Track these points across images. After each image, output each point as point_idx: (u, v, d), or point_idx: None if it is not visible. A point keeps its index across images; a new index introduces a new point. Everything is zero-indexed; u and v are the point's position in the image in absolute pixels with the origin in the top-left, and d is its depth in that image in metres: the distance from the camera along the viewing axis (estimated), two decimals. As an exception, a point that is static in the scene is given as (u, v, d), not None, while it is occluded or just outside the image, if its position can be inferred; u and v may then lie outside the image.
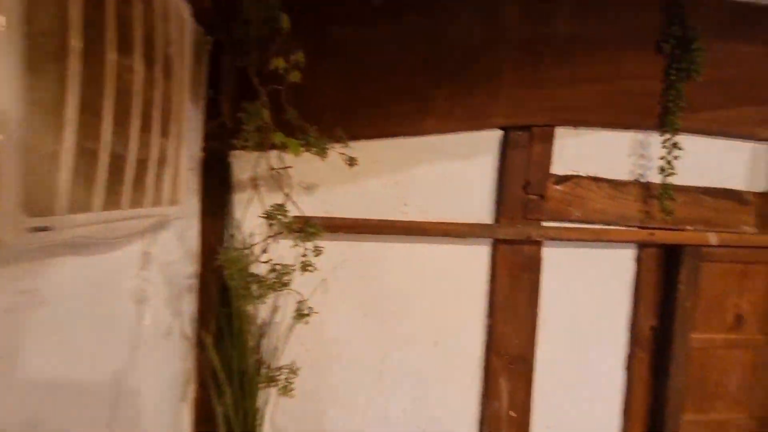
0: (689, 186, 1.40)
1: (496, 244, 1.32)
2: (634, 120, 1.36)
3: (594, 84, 1.32)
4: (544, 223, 1.33)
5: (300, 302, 1.04)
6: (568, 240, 1.33)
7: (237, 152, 1.14)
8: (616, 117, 1.35)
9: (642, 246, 1.39)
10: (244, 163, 1.15)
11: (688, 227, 1.38)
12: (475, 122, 1.29)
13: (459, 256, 1.31)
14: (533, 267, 1.33)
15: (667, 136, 1.32)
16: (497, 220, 1.31)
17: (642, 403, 1.40)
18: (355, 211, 1.26)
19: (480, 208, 1.32)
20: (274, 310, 1.18)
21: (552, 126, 1.32)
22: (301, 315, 0.99)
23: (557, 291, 1.36)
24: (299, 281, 1.15)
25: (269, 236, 0.97)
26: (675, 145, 1.31)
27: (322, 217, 1.20)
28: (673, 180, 1.35)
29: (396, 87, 1.25)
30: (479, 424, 1.33)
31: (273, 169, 0.96)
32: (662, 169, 1.33)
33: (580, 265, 1.37)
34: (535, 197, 1.32)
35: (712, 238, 1.35)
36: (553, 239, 1.32)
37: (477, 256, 1.32)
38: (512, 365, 1.32)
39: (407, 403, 1.30)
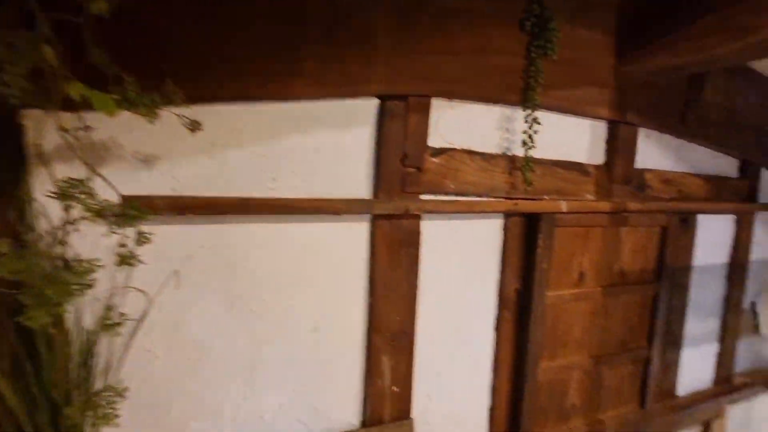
0: (545, 159, 1.52)
1: (375, 219, 1.26)
2: (502, 94, 1.40)
3: (468, 56, 1.31)
4: (422, 196, 1.32)
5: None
6: (444, 213, 1.34)
7: (32, 112, 0.83)
8: (487, 91, 1.38)
9: (508, 215, 1.49)
10: (40, 126, 0.86)
11: (545, 197, 1.52)
12: (349, 88, 1.18)
13: (336, 234, 1.22)
14: (412, 241, 1.31)
15: (528, 111, 1.40)
16: (376, 194, 1.25)
17: (508, 358, 1.54)
18: (212, 189, 1.06)
19: (358, 182, 1.24)
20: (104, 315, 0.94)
21: (428, 97, 1.29)
22: (107, 326, 0.78)
23: (435, 263, 1.37)
24: (142, 276, 0.94)
25: (67, 222, 0.73)
26: (535, 120, 1.40)
27: (166, 197, 0.98)
28: (534, 153, 1.45)
29: (260, 40, 1.06)
30: (362, 404, 1.30)
31: (67, 131, 0.70)
32: (524, 143, 1.41)
33: (454, 236, 1.41)
34: (413, 170, 1.29)
35: (564, 206, 1.51)
36: (431, 212, 1.31)
37: (356, 234, 1.25)
38: (394, 341, 1.30)
39: (285, 398, 1.19)
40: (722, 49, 1.30)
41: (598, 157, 1.67)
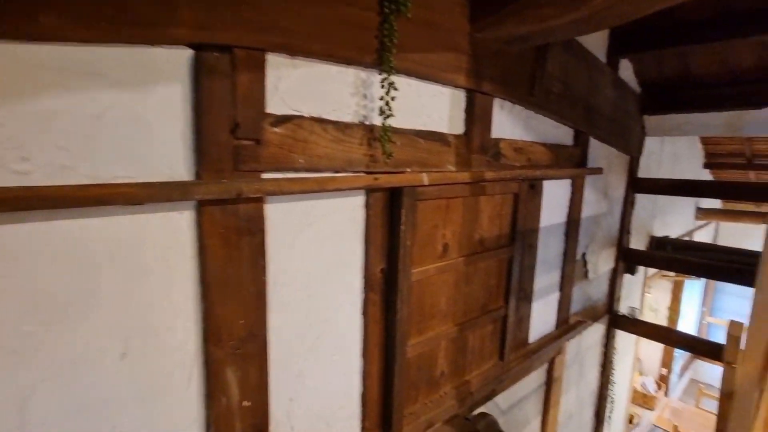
0: (407, 129, 1.43)
1: (202, 206, 1.00)
2: (356, 54, 1.23)
3: (313, 6, 1.09)
4: (265, 175, 1.09)
5: None
6: (294, 193, 1.15)
7: None
8: (338, 48, 1.18)
9: (369, 191, 1.36)
10: None
11: (407, 169, 1.43)
12: (143, 31, 0.86)
13: (144, 230, 0.93)
14: (255, 229, 1.09)
15: (385, 75, 1.26)
16: (198, 175, 0.98)
17: (377, 341, 1.47)
18: None
19: (170, 159, 0.95)
20: None
21: (262, 51, 1.04)
22: None
23: (286, 252, 1.19)
24: None
25: None
26: (392, 86, 1.27)
27: None
28: (394, 123, 1.34)
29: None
30: (205, 431, 1.08)
31: None
32: (382, 111, 1.28)
33: (309, 219, 1.23)
34: (249, 143, 1.05)
35: (426, 178, 1.44)
36: (275, 194, 1.10)
37: (174, 227, 0.97)
38: (240, 349, 1.09)
39: (84, 452, 0.90)
40: (558, 20, 1.33)
41: (458, 127, 1.65)
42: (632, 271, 3.56)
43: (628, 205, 3.28)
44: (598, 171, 2.58)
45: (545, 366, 2.67)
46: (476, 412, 2.09)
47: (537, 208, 2.16)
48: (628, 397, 4.85)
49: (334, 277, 1.32)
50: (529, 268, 2.21)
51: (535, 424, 2.80)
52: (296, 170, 1.16)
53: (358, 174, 1.29)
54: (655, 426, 5.74)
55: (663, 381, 6.56)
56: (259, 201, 1.09)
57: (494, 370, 2.04)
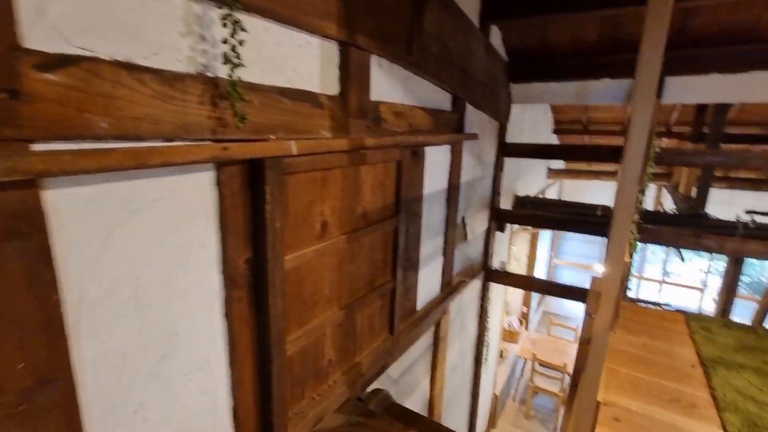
0: (266, 85, 1.15)
1: None
2: (181, -24, 0.89)
3: None
4: (36, 147, 0.73)
5: None
6: (90, 171, 0.79)
7: None
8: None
9: (220, 165, 1.07)
10: None
11: (271, 136, 1.17)
12: None
13: None
14: (28, 229, 0.73)
15: (226, 10, 0.95)
16: None
17: (248, 344, 1.23)
18: None
19: None
20: None
21: (3, -55, 0.65)
22: None
23: (98, 254, 0.85)
24: None
25: None
26: (237, 25, 0.97)
27: None
28: (247, 76, 1.05)
29: None
30: None
31: None
32: (227, 59, 0.98)
33: (133, 206, 0.90)
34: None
35: (294, 147, 1.20)
36: (56, 173, 0.74)
37: None
38: (23, 405, 0.75)
39: None
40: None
41: (332, 87, 1.42)
42: (502, 229, 3.90)
43: (498, 168, 3.52)
44: (474, 137, 2.65)
45: (432, 329, 2.77)
46: (369, 389, 2.03)
47: (420, 176, 2.10)
48: (499, 337, 5.55)
49: (177, 278, 1.02)
50: (415, 237, 2.17)
51: (425, 383, 2.93)
52: (98, 138, 0.81)
53: (200, 143, 0.99)
54: (518, 356, 6.74)
55: (524, 317, 7.71)
56: (32, 186, 0.73)
57: (385, 345, 1.99)
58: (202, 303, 1.09)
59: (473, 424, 4.46)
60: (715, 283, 9.46)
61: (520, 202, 4.59)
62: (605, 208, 4.17)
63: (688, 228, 3.18)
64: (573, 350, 6.54)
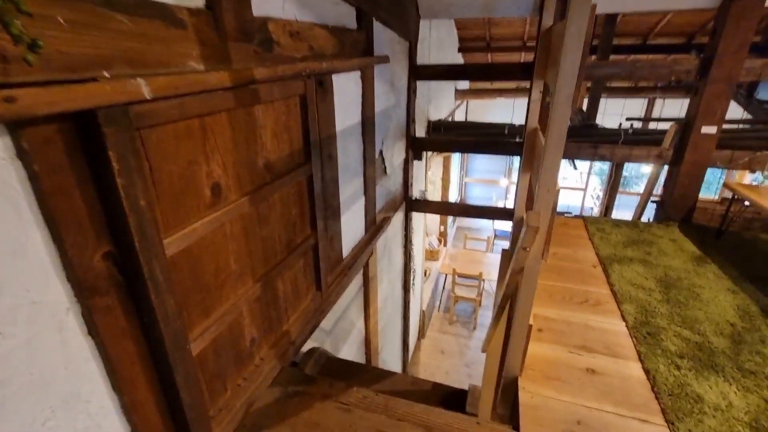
0: (77, -10, 0.73)
1: None
2: None
3: None
4: None
5: None
6: None
7: None
8: None
9: (16, 128, 0.68)
10: None
11: (103, 73, 0.78)
12: None
13: None
14: None
15: None
16: None
17: (135, 358, 0.95)
18: None
19: None
20: None
21: None
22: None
23: None
24: None
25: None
26: None
27: None
28: (30, -28, 0.63)
29: None
30: None
31: None
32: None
33: None
34: None
35: (145, 88, 0.83)
36: None
37: None
38: None
39: None
40: None
41: (192, -6, 1.01)
42: (420, 157, 3.81)
43: (411, 94, 3.29)
44: (385, 59, 2.35)
45: (361, 271, 2.67)
46: (304, 350, 1.90)
47: (330, 110, 1.80)
48: (422, 259, 5.82)
49: (-12, 308, 0.68)
50: (333, 182, 1.92)
51: (360, 323, 2.91)
52: None
53: (-41, 93, 0.59)
54: (440, 273, 7.25)
55: (442, 236, 8.19)
56: None
57: (314, 304, 1.83)
58: (43, 328, 0.76)
59: (406, 342, 4.77)
60: (594, 183, 10.95)
61: (434, 126, 4.50)
62: (511, 127, 4.29)
63: (582, 139, 3.39)
64: (486, 259, 7.20)
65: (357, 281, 2.69)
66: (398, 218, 3.62)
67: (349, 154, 2.14)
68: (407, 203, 3.74)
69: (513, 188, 9.75)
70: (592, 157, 3.22)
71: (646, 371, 1.66)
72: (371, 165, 2.48)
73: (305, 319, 1.74)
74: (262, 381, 1.44)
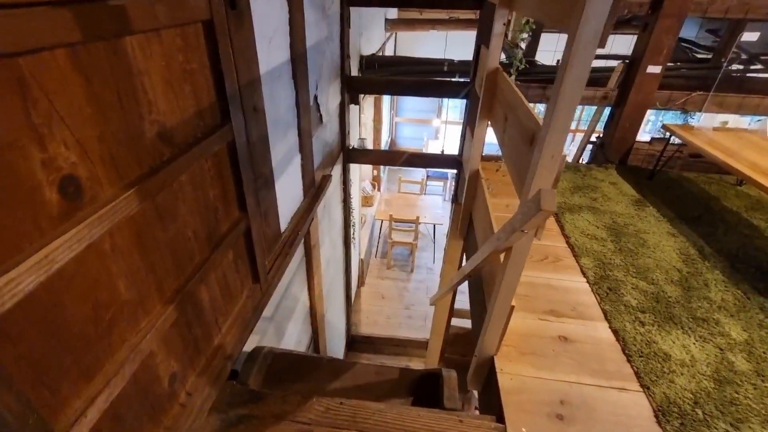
0: None
1: None
2: None
3: None
4: None
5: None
6: None
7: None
8: None
9: None
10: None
11: None
12: None
13: None
14: None
15: None
16: None
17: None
18: None
19: None
20: None
21: None
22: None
23: None
24: None
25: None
26: None
27: None
28: None
29: None
30: None
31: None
32: None
33: None
34: None
35: None
36: None
37: None
38: None
39: None
40: None
41: None
42: (356, 101, 3.35)
43: (345, 23, 2.74)
44: (315, -27, 1.80)
45: (302, 242, 2.31)
46: (245, 350, 1.56)
47: (250, 44, 1.29)
48: (359, 207, 5.55)
49: None
50: (262, 143, 1.47)
51: (303, 295, 2.61)
52: None
53: None
54: (376, 219, 7.10)
55: (376, 180, 7.93)
56: None
57: (252, 300, 1.46)
58: None
59: (349, 296, 4.63)
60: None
61: (368, 63, 3.98)
62: (451, 63, 3.95)
63: (526, 78, 3.20)
64: (421, 203, 7.17)
65: (299, 253, 2.34)
66: (336, 172, 3.22)
67: (278, 103, 1.66)
68: (345, 154, 3.33)
69: (443, 128, 9.64)
70: (540, 99, 3.06)
71: (615, 332, 1.63)
72: (306, 114, 2.02)
73: (243, 323, 1.39)
74: (194, 419, 1.10)
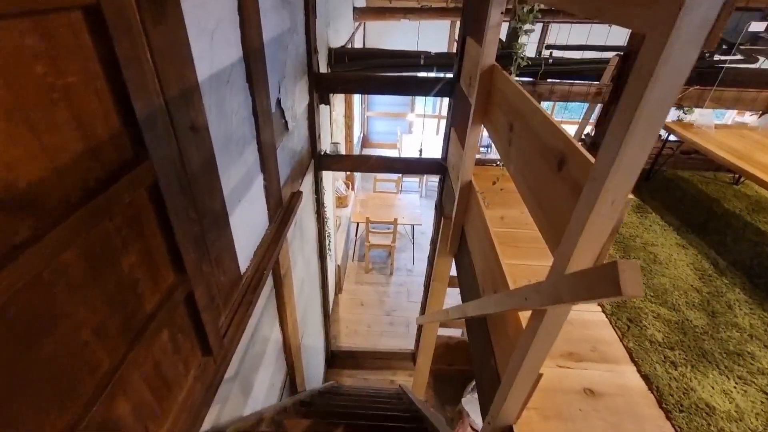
0: None
1: None
2: None
3: None
4: None
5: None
6: None
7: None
8: None
9: None
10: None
11: None
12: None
13: None
14: None
15: None
16: None
17: None
18: None
19: None
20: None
21: None
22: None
23: None
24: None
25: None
26: None
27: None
28: None
29: None
30: None
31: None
32: None
33: None
34: None
35: None
36: None
37: None
38: None
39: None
40: None
41: None
42: (326, 100, 2.98)
43: (310, 11, 2.36)
44: (270, -52, 1.43)
45: (270, 274, 1.96)
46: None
47: (179, 41, 0.92)
48: (333, 211, 5.19)
49: None
50: (206, 171, 1.11)
51: (275, 332, 2.26)
52: None
53: None
54: (352, 222, 6.75)
55: (350, 179, 7.56)
56: None
57: (201, 381, 1.11)
58: None
59: (327, 311, 4.29)
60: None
61: (337, 56, 3.60)
62: (428, 56, 3.63)
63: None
64: (398, 202, 6.86)
65: (267, 285, 1.98)
66: (308, 182, 2.86)
67: (228, 116, 1.30)
68: (316, 161, 2.97)
69: (418, 122, 9.36)
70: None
71: (645, 378, 1.39)
72: (267, 124, 1.66)
73: (191, 414, 1.04)
74: None
